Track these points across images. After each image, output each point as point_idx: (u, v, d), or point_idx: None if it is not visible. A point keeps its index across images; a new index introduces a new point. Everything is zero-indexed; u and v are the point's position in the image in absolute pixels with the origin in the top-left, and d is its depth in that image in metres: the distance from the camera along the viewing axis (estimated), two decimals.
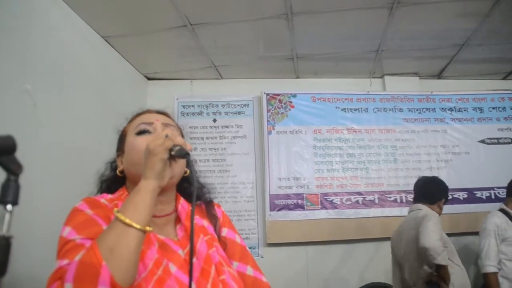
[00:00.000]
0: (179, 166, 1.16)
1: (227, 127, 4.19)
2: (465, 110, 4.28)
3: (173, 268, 1.10)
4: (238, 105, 4.24)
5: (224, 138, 4.16)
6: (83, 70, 2.95)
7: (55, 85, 2.55)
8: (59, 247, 1.04)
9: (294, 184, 4.00)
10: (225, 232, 1.37)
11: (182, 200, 1.32)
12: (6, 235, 0.74)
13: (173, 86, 4.26)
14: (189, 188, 1.37)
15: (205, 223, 1.32)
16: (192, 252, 1.01)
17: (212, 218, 1.37)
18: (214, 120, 4.19)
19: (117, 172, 1.32)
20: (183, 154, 1.06)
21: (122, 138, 1.35)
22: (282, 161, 4.04)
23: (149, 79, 4.22)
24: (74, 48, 2.86)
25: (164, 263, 1.10)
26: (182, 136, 1.40)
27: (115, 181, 1.33)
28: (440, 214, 3.01)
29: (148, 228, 1.00)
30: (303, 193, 3.98)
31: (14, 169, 0.79)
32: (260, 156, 4.11)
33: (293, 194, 3.97)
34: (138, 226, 0.98)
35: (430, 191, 3.13)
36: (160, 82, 4.25)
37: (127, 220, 0.97)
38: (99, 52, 3.26)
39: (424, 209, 3.01)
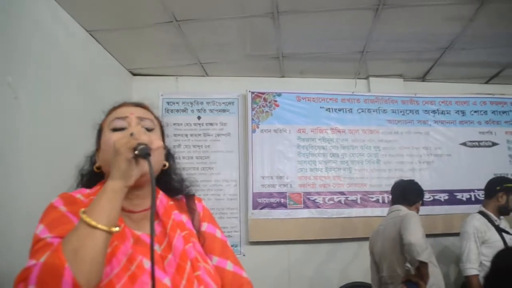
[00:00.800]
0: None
1: (211, 124, 4.18)
2: (447, 113, 4.33)
3: (147, 264, 1.08)
4: (223, 103, 4.24)
5: (208, 135, 4.15)
6: (67, 64, 2.92)
7: (38, 78, 2.52)
8: (32, 245, 1.03)
9: (277, 183, 4.01)
10: (205, 226, 1.35)
11: (160, 195, 1.29)
12: None
13: (158, 82, 4.23)
14: (168, 182, 1.36)
15: (184, 218, 1.29)
16: (152, 248, 0.99)
17: (191, 212, 1.35)
18: (199, 117, 4.17)
19: (94, 168, 1.29)
20: (144, 154, 1.04)
21: (99, 133, 1.32)
22: (265, 160, 4.05)
23: (134, 74, 4.19)
24: (59, 41, 2.83)
25: (138, 259, 1.09)
26: (162, 127, 1.37)
27: (93, 175, 1.30)
28: None
29: (114, 229, 0.99)
30: (286, 192, 3.99)
31: None
32: (244, 154, 4.11)
33: (276, 192, 3.98)
34: (103, 228, 0.96)
35: (408, 193, 3.20)
36: (145, 78, 4.22)
37: (92, 222, 0.95)
38: (84, 46, 3.23)
39: (403, 209, 3.06)
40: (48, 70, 2.64)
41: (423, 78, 4.50)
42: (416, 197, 3.21)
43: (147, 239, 1.15)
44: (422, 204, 3.27)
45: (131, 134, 1.06)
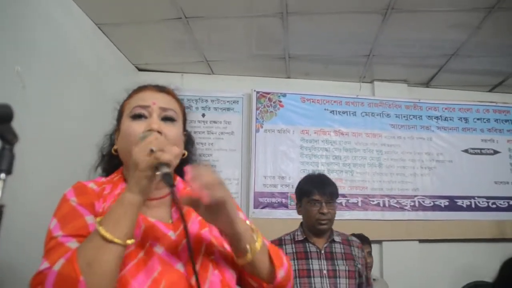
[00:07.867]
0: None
1: (215, 122, 4.19)
2: (450, 119, 4.35)
3: (159, 250, 1.08)
4: (228, 101, 4.24)
5: (212, 133, 4.16)
6: (74, 56, 2.94)
7: (46, 69, 2.54)
8: (46, 240, 1.05)
9: (279, 182, 4.01)
10: None
11: (177, 181, 1.27)
12: None
13: (163, 78, 4.13)
14: None
15: None
16: (187, 234, 1.01)
17: None
18: (203, 115, 4.18)
19: (112, 150, 1.27)
20: (168, 183, 1.02)
21: (119, 115, 1.29)
22: (268, 160, 4.05)
23: (140, 70, 4.20)
24: (67, 32, 2.85)
25: (147, 245, 1.08)
26: (184, 114, 1.33)
27: (113, 156, 1.28)
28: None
29: (129, 242, 0.99)
30: (288, 192, 3.98)
31: (9, 139, 0.79)
32: (246, 153, 4.11)
33: (278, 192, 3.98)
34: (118, 241, 0.96)
35: None
36: (151, 74, 4.22)
37: (108, 235, 0.95)
38: (92, 39, 3.25)
39: None
40: (56, 61, 2.66)
41: (427, 84, 4.52)
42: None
43: (161, 226, 1.14)
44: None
45: (152, 150, 1.01)
